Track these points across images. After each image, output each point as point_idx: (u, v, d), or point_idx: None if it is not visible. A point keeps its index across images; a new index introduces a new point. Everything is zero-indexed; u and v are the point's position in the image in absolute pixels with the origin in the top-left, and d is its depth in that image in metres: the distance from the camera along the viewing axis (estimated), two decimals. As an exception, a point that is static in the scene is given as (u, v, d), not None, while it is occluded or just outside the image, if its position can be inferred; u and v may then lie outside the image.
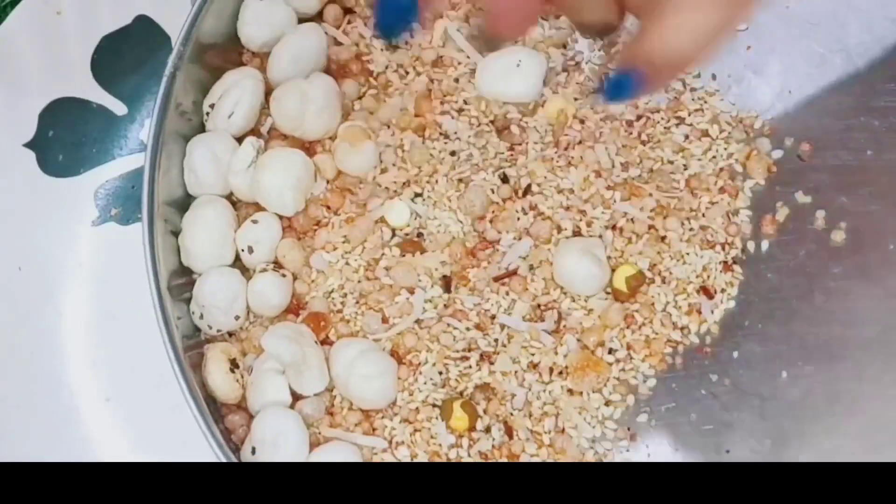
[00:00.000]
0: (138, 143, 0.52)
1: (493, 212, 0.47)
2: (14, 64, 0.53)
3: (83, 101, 0.53)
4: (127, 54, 0.53)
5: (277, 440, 0.43)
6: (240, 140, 0.47)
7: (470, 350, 0.46)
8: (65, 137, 0.52)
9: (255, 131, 0.48)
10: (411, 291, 0.46)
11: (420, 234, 0.47)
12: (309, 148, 0.48)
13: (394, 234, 0.47)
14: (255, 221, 0.46)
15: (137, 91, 0.53)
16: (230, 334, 0.47)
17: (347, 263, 0.47)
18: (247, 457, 0.44)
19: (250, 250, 0.46)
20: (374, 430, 0.45)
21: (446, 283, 0.46)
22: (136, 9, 0.53)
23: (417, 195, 0.47)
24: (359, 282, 0.46)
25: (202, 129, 0.48)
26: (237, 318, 0.46)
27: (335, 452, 0.44)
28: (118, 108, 0.53)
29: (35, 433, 0.48)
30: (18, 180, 0.52)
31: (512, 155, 0.48)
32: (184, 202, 0.48)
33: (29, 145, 0.52)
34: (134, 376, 0.49)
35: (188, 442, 0.45)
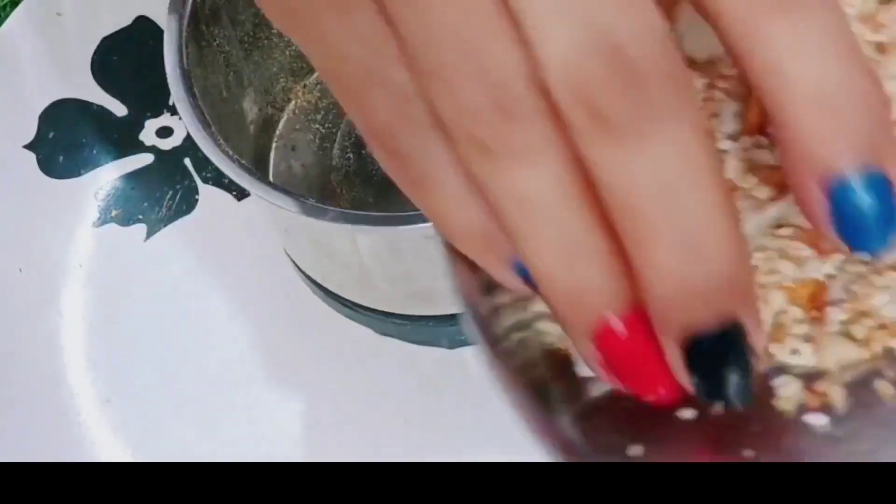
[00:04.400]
0: (138, 144, 0.52)
1: None
2: (14, 65, 0.53)
3: (83, 102, 0.53)
4: (127, 55, 0.53)
5: None
6: None
7: None
8: (65, 139, 0.53)
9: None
10: None
11: None
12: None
13: None
14: None
15: (137, 92, 0.53)
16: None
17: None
18: None
19: None
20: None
21: None
22: (137, 9, 0.53)
23: None
24: None
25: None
26: None
27: None
28: (118, 109, 0.53)
29: (35, 433, 0.48)
30: (19, 182, 0.52)
31: None
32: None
33: (29, 147, 0.52)
34: (134, 377, 0.49)
35: (188, 442, 0.45)
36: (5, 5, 0.53)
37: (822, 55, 0.23)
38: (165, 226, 0.51)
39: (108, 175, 0.52)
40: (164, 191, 0.52)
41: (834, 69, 0.23)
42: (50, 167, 0.52)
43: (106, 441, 0.48)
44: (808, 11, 0.23)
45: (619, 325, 0.24)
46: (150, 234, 0.51)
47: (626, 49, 0.21)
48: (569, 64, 0.21)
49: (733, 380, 0.24)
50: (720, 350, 0.24)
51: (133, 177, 0.52)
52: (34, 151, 0.52)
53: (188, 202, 0.52)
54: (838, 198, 0.23)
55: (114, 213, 0.52)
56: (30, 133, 0.52)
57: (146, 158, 0.53)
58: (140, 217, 0.51)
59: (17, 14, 0.53)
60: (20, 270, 0.51)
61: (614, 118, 0.22)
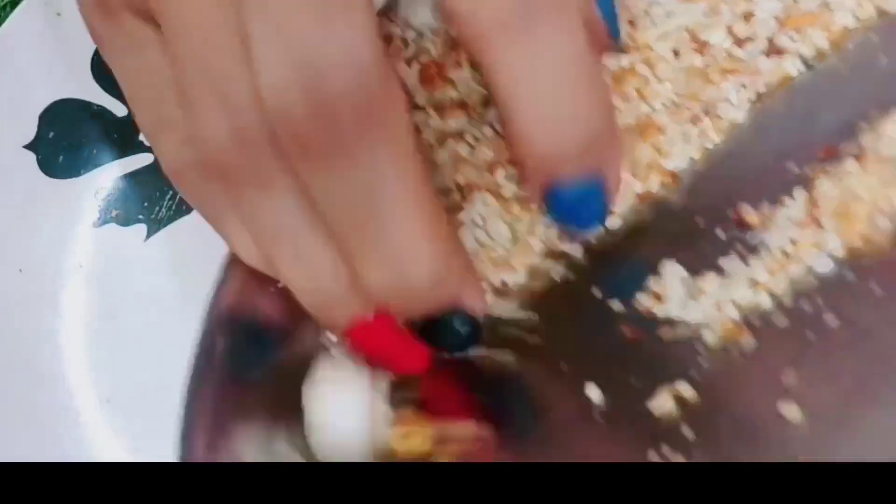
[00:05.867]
0: (138, 144, 0.52)
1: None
2: (14, 65, 0.53)
3: (83, 102, 0.53)
4: (127, 55, 0.53)
5: None
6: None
7: None
8: (65, 139, 0.53)
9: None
10: None
11: None
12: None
13: None
14: None
15: (137, 92, 0.53)
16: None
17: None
18: None
19: None
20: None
21: None
22: (137, 10, 0.53)
23: None
24: None
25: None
26: None
27: None
28: (118, 108, 0.53)
29: (35, 433, 0.48)
30: (18, 182, 0.52)
31: None
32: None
33: (29, 147, 0.52)
34: (134, 377, 0.49)
35: (188, 442, 0.45)
36: (5, 5, 0.53)
37: (549, 79, 0.25)
38: (165, 226, 0.51)
39: (108, 175, 0.52)
40: (164, 191, 0.52)
41: (558, 91, 0.25)
42: (50, 167, 0.52)
43: (106, 441, 0.48)
44: (539, 39, 0.25)
45: (364, 326, 0.28)
46: (150, 234, 0.51)
47: (324, 80, 0.23)
48: (276, 94, 0.23)
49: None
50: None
51: (133, 177, 0.52)
52: (34, 151, 0.52)
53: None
54: (554, 196, 0.27)
55: (114, 213, 0.52)
56: (30, 133, 0.52)
57: (146, 158, 0.53)
58: (140, 217, 0.52)
59: (17, 14, 0.53)
60: (20, 270, 0.51)
61: (313, 146, 0.23)
